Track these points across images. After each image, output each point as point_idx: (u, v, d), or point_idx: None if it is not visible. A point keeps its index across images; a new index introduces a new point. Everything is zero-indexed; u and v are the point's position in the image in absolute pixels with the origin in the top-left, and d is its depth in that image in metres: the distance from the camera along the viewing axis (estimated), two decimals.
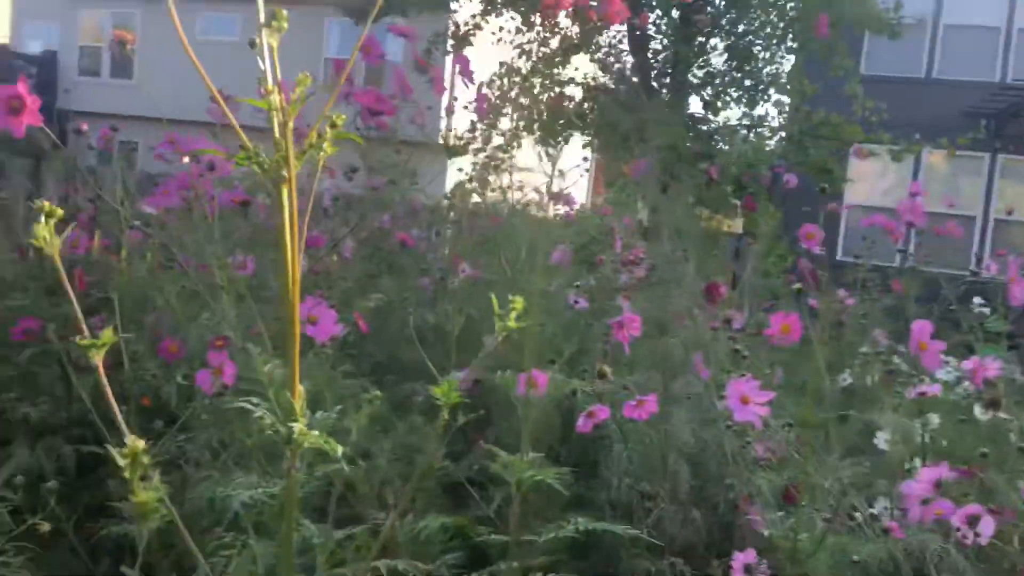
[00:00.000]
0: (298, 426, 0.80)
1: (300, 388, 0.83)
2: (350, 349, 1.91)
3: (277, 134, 0.73)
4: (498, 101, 7.13)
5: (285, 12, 0.76)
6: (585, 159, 6.55)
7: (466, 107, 3.89)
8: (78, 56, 20.99)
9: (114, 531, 1.21)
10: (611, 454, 2.07)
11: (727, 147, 6.15)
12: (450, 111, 3.94)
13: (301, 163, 0.75)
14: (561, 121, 7.65)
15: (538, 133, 6.83)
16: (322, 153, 0.76)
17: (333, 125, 0.76)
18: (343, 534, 1.12)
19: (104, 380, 0.83)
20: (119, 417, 0.87)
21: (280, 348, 1.63)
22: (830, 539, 1.27)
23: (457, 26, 7.35)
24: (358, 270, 2.30)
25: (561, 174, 4.48)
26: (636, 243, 3.68)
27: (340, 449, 0.82)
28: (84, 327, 0.86)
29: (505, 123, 7.06)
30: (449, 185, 4.38)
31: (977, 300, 3.82)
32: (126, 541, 1.24)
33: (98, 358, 0.78)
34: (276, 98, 0.71)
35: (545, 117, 7.03)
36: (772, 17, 7.00)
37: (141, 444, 0.75)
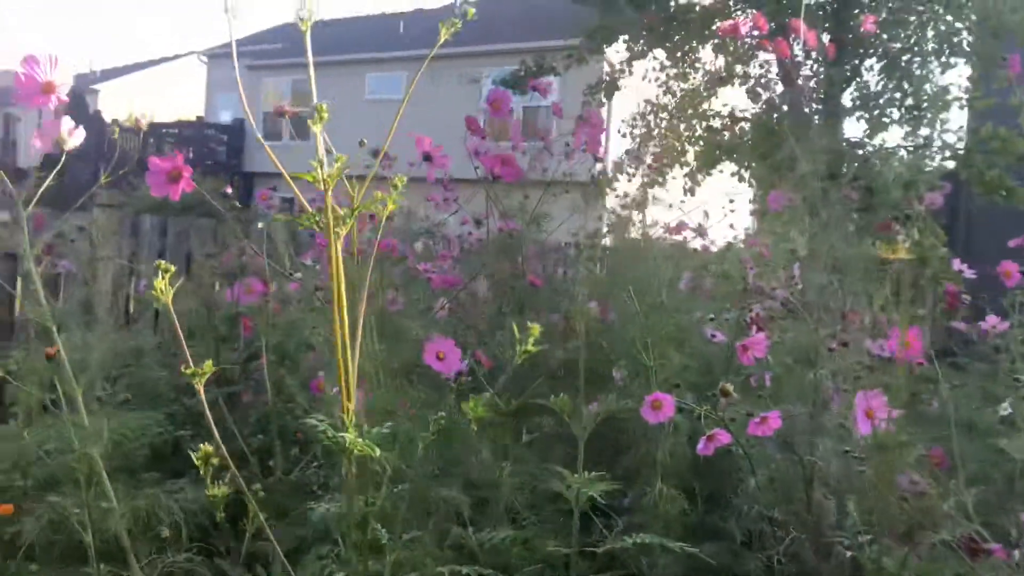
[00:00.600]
0: (350, 437, 0.92)
1: (352, 406, 0.96)
2: (482, 384, 2.04)
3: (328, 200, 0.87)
4: (644, 139, 7.21)
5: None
6: (743, 187, 6.48)
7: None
8: (263, 122, 22.95)
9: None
10: (741, 484, 2.07)
11: (881, 171, 5.89)
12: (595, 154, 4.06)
13: (352, 223, 0.88)
14: (715, 152, 7.62)
15: (686, 168, 6.84)
16: (388, 206, 0.90)
17: (395, 187, 0.90)
18: (408, 537, 1.22)
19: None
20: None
21: (407, 381, 1.78)
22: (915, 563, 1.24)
23: (610, 74, 7.52)
24: (490, 309, 2.44)
25: (705, 212, 4.51)
26: (779, 274, 3.63)
27: (378, 452, 0.94)
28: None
29: (650, 159, 7.12)
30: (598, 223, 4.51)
31: None
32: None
33: (199, 385, 0.93)
34: (320, 172, 0.85)
35: (693, 150, 7.03)
36: (929, 32, 6.68)
37: (211, 448, 0.90)
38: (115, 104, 27.33)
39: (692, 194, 7.39)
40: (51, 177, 1.53)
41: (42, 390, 1.67)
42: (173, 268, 1.06)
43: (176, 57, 29.57)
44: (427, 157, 1.78)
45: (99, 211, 4.06)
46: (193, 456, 1.11)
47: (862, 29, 6.18)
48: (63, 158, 1.46)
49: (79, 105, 23.41)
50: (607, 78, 7.50)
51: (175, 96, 25.41)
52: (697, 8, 6.97)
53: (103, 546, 1.46)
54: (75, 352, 1.55)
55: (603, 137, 2.48)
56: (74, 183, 1.77)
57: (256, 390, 1.95)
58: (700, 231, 3.61)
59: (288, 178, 0.99)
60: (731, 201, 5.91)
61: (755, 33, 6.73)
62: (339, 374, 0.98)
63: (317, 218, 0.90)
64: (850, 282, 3.82)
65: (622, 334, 2.20)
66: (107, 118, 23.01)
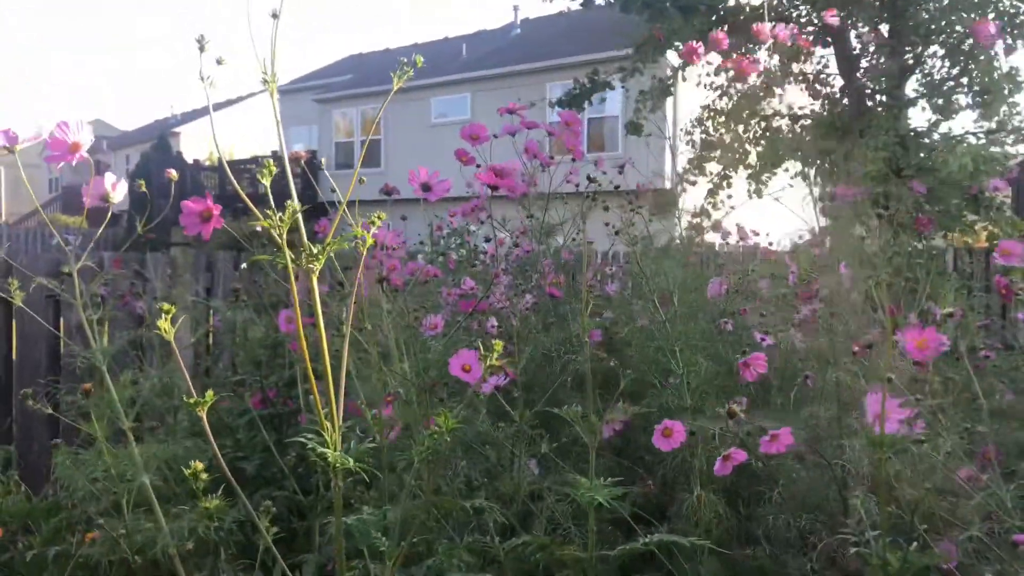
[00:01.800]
0: (332, 454, 1.00)
1: (337, 424, 1.03)
2: (513, 396, 2.10)
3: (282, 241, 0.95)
4: (705, 145, 7.17)
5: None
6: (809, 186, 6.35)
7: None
8: (334, 152, 23.60)
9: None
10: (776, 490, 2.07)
11: (947, 160, 5.69)
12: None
13: (323, 260, 0.96)
14: (777, 152, 7.51)
15: (748, 170, 6.77)
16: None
17: (372, 223, 0.97)
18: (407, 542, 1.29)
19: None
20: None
21: (426, 399, 1.85)
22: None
23: (662, 80, 7.52)
24: (529, 324, 2.50)
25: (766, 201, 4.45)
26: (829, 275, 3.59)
27: (351, 463, 1.00)
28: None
29: (713, 166, 7.07)
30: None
31: None
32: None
33: (201, 412, 1.02)
34: (274, 217, 0.93)
35: (755, 152, 6.96)
36: (990, 15, 6.45)
37: (200, 466, 0.98)
38: (197, 144, 28.61)
39: (759, 196, 7.29)
40: (139, 221, 1.66)
41: (103, 424, 1.81)
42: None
43: (251, 95, 30.72)
44: (426, 187, 1.85)
45: (177, 250, 4.30)
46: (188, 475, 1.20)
47: (975, 34, 6.03)
48: (148, 201, 1.59)
49: (164, 148, 24.55)
50: (659, 85, 7.49)
51: (253, 133, 26.38)
52: (747, 8, 6.91)
53: (154, 564, 1.58)
54: (126, 389, 1.68)
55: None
56: (163, 223, 1.93)
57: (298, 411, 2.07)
58: (741, 232, 3.61)
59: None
60: (795, 191, 5.83)
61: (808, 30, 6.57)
62: (331, 391, 1.06)
63: (290, 256, 0.98)
64: (910, 276, 3.75)
65: (648, 342, 2.22)
66: (189, 158, 24.12)
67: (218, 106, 31.67)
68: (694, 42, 2.82)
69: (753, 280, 3.49)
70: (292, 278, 0.99)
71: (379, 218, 1.03)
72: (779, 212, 4.81)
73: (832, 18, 2.46)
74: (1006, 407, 2.47)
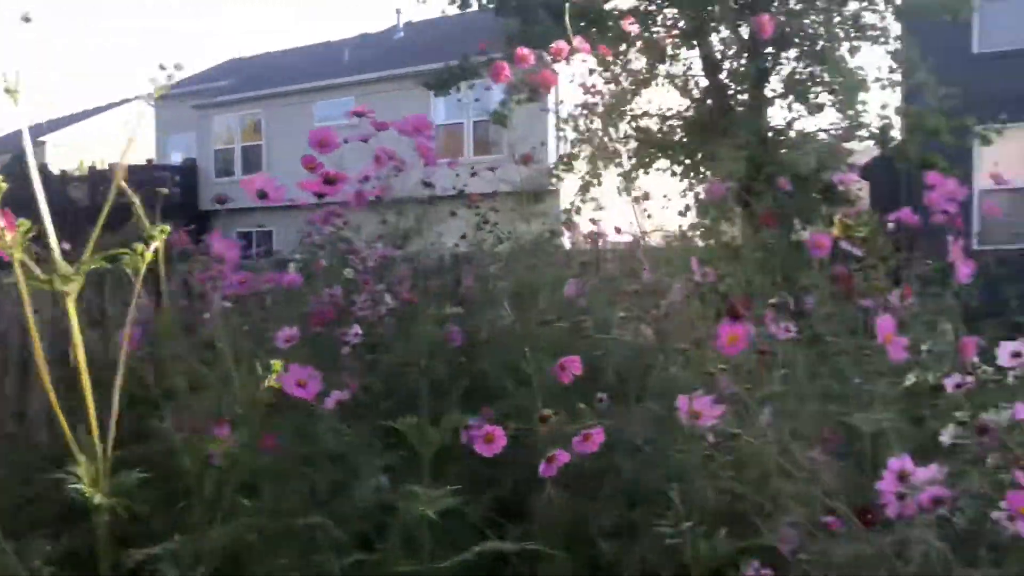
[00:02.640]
0: (90, 492, 0.96)
1: (96, 459, 0.99)
2: (364, 409, 2.08)
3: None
4: (576, 143, 7.30)
5: None
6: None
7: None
8: (214, 159, 22.86)
9: None
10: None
11: (796, 156, 6.01)
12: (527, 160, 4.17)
13: (82, 278, 0.92)
14: (649, 151, 7.71)
15: (619, 168, 6.90)
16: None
17: (153, 237, 0.94)
18: None
19: None
20: None
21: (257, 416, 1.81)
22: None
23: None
24: (388, 331, 2.48)
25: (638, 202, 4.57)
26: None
27: (106, 503, 0.97)
28: None
29: (582, 164, 7.20)
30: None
31: None
32: None
33: None
34: (7, 237, 0.88)
35: (625, 151, 7.12)
36: (835, 18, 6.85)
37: None
38: (67, 154, 27.11)
39: (628, 194, 7.46)
40: None
41: None
42: None
43: (124, 102, 29.37)
44: (262, 195, 1.81)
45: None
46: None
47: (762, 30, 6.31)
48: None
49: (20, 161, 23.12)
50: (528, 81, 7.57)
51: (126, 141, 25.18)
52: (616, 12, 7.07)
53: None
54: None
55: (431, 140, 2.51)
56: None
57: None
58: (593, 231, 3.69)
59: None
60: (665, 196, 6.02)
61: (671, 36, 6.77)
62: (86, 420, 1.01)
63: (46, 277, 0.93)
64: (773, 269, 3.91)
65: (501, 346, 2.25)
66: (57, 168, 22.82)
67: (87, 113, 30.02)
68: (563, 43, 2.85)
69: (620, 277, 3.56)
70: (26, 300, 0.94)
71: (163, 231, 0.99)
72: (657, 209, 4.95)
73: (631, 24, 2.53)
74: (851, 391, 2.61)
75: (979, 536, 1.59)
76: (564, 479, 2.10)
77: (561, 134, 7.56)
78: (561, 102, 7.31)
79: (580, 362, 1.89)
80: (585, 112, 7.61)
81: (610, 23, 6.81)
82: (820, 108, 7.45)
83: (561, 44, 2.68)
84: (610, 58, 7.45)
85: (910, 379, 2.76)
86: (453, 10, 9.13)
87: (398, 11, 25.35)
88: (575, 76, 8.69)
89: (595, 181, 7.26)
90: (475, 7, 8.42)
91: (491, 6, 7.73)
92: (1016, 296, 3.88)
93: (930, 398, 2.37)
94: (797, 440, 1.95)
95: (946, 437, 2.06)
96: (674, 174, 7.70)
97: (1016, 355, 1.97)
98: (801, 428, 2.05)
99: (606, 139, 7.37)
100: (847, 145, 6.49)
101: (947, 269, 2.62)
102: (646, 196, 3.89)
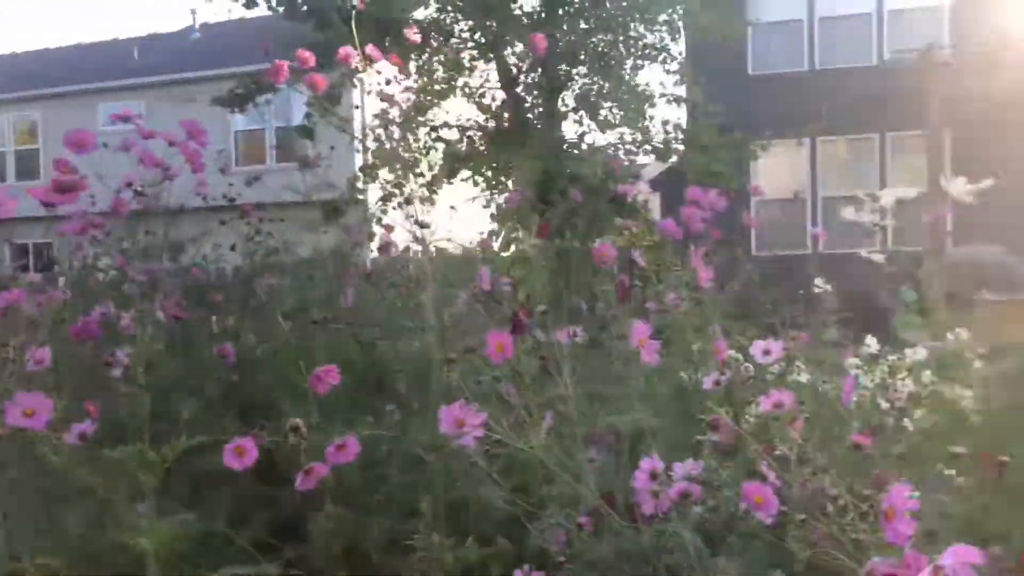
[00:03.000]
0: None
1: None
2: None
3: None
4: (377, 153, 7.23)
5: None
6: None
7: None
8: None
9: None
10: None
11: (590, 169, 6.30)
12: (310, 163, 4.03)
13: None
14: (451, 161, 7.77)
15: (421, 179, 6.88)
16: None
17: None
18: None
19: None
20: None
21: None
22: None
23: (331, 86, 7.42)
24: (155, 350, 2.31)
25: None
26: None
27: None
28: None
29: (385, 173, 7.14)
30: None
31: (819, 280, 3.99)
32: None
33: None
34: None
35: (426, 161, 7.12)
36: (620, 38, 7.24)
37: None
38: None
39: (432, 204, 7.49)
40: None
41: None
42: None
43: None
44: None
45: None
46: None
47: (536, 48, 6.57)
48: None
49: None
50: (328, 91, 7.44)
51: None
52: (412, 22, 7.08)
53: None
54: None
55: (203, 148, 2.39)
56: None
57: None
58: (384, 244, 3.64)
59: None
60: (473, 199, 6.09)
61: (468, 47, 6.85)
62: None
63: None
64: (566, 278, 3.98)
65: (279, 361, 2.16)
66: None
67: None
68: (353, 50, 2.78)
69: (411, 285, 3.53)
70: None
71: None
72: (466, 219, 4.97)
73: (415, 35, 2.55)
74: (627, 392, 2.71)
75: (731, 526, 1.69)
76: (341, 494, 2.05)
77: (361, 144, 7.46)
78: (357, 106, 7.21)
79: (338, 371, 1.83)
80: (384, 122, 7.57)
81: (405, 31, 6.81)
82: (609, 124, 7.82)
83: (348, 50, 2.62)
84: (400, 70, 7.44)
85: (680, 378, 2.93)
86: (244, 12, 8.80)
87: (193, 12, 24.15)
88: (372, 86, 8.61)
89: (397, 191, 7.23)
90: (263, 8, 8.15)
91: (280, 8, 7.52)
92: (786, 298, 4.23)
93: (697, 397, 2.52)
94: (572, 443, 2.00)
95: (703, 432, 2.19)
96: (476, 184, 7.82)
97: (767, 352, 2.12)
98: (577, 431, 2.11)
99: (405, 149, 7.36)
100: (638, 158, 6.87)
101: (726, 273, 2.82)
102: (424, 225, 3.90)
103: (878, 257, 4.43)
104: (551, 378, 2.48)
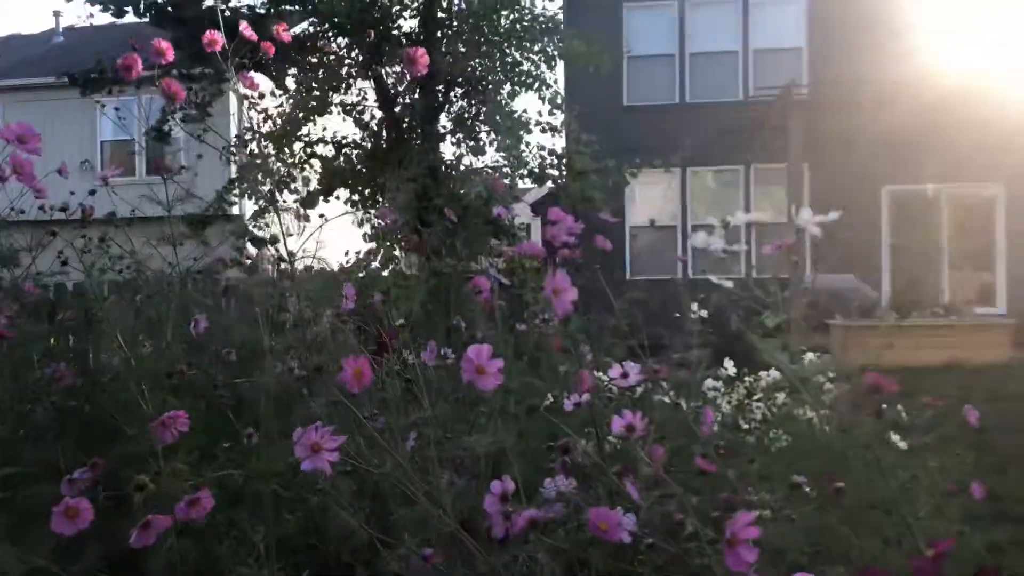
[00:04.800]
0: None
1: None
2: None
3: None
4: (248, 167, 7.02)
5: None
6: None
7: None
8: None
9: None
10: None
11: (468, 190, 6.32)
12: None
13: None
14: (327, 178, 7.62)
15: (295, 195, 6.73)
16: None
17: None
18: None
19: None
20: None
21: None
22: None
23: (197, 94, 7.17)
24: None
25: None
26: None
27: None
28: None
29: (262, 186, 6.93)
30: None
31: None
32: None
33: None
34: None
35: (301, 177, 6.97)
36: (497, 64, 7.33)
37: None
38: None
39: (307, 220, 7.32)
40: None
41: None
42: None
43: None
44: None
45: None
46: None
47: (415, 67, 6.55)
48: None
49: None
50: (195, 97, 7.19)
51: None
52: (292, 35, 6.92)
53: None
54: None
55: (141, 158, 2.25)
56: None
57: None
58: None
59: None
60: (349, 212, 5.95)
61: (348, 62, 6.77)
62: None
63: None
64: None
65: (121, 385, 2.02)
66: None
67: None
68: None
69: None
70: None
71: None
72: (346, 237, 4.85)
73: (284, 32, 2.47)
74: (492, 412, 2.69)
75: (588, 548, 1.69)
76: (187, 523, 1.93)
77: (232, 155, 7.23)
78: (234, 113, 7.01)
79: (186, 417, 1.73)
80: (256, 134, 7.36)
81: (282, 45, 6.66)
82: (482, 149, 7.88)
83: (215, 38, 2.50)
84: (275, 84, 7.28)
85: (548, 399, 2.94)
86: (111, 18, 8.39)
87: (57, 14, 22.86)
88: (246, 97, 8.33)
89: (270, 207, 7.03)
90: (132, 15, 7.81)
91: (147, 16, 7.22)
92: (656, 321, 4.34)
93: (561, 417, 2.53)
94: (432, 465, 1.96)
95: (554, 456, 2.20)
96: (353, 203, 7.70)
97: (624, 375, 2.15)
98: (439, 454, 2.07)
99: (279, 164, 7.18)
100: (518, 182, 6.94)
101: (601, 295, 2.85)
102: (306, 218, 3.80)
103: (727, 283, 4.59)
104: (415, 400, 2.45)
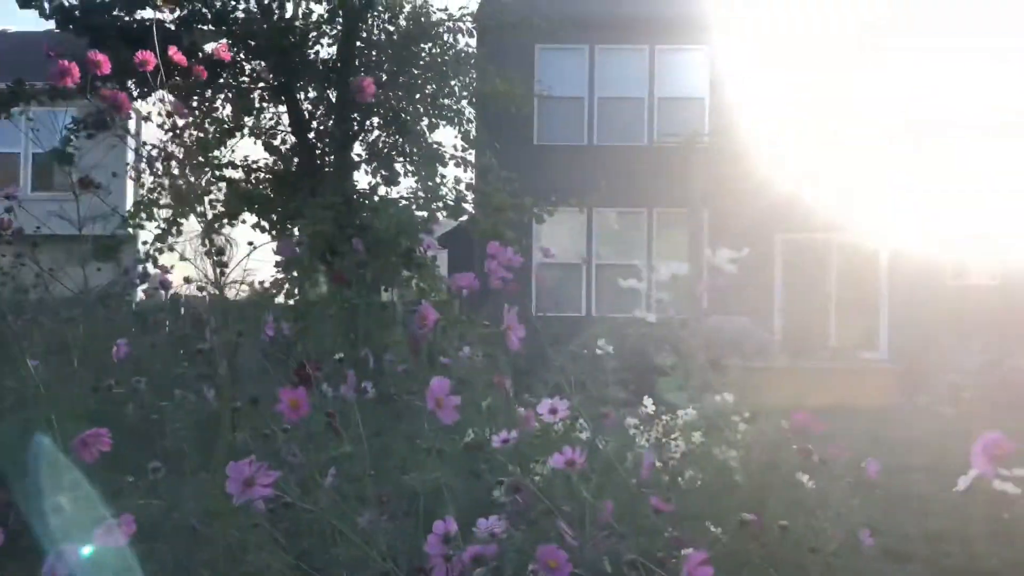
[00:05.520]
0: None
1: None
2: None
3: None
4: (154, 188, 6.79)
5: None
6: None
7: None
8: None
9: None
10: None
11: (375, 221, 6.27)
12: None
13: None
14: (235, 202, 7.42)
15: (202, 219, 6.50)
16: None
17: None
18: None
19: None
20: None
21: None
22: None
23: (99, 111, 6.88)
24: None
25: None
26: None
27: None
28: None
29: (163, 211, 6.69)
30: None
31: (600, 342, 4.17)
32: None
33: None
34: None
35: (208, 201, 6.75)
36: (416, 95, 7.36)
37: None
38: None
39: (211, 244, 7.10)
40: None
41: None
42: None
43: None
44: None
45: None
46: None
47: (362, 95, 6.53)
48: None
49: None
50: (96, 115, 6.90)
51: None
52: (201, 55, 6.75)
53: None
54: None
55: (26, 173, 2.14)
56: None
57: None
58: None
59: None
60: (251, 244, 5.77)
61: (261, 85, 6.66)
62: None
63: None
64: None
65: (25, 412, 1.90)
66: None
67: None
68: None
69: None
70: None
71: None
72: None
73: (224, 52, 2.43)
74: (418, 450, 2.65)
75: None
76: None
77: (140, 177, 6.97)
78: (138, 135, 6.76)
79: (109, 435, 1.65)
80: (163, 155, 7.11)
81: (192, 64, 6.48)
82: (396, 180, 7.85)
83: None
84: (185, 104, 7.07)
85: (469, 435, 2.92)
86: (9, 25, 7.99)
87: None
88: (152, 116, 8.06)
89: (174, 230, 6.79)
90: (37, 16, 7.46)
91: (51, 20, 6.92)
92: (564, 358, 4.39)
93: (486, 453, 2.51)
94: (358, 503, 1.92)
95: (499, 492, 2.19)
96: (263, 229, 7.52)
97: (553, 411, 2.17)
98: (364, 490, 2.03)
99: (185, 186, 6.94)
100: (429, 215, 6.92)
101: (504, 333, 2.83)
102: (220, 251, 3.69)
103: (650, 318, 4.70)
104: (336, 436, 2.39)
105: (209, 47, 7.00)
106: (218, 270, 2.41)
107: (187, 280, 4.10)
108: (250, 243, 5.64)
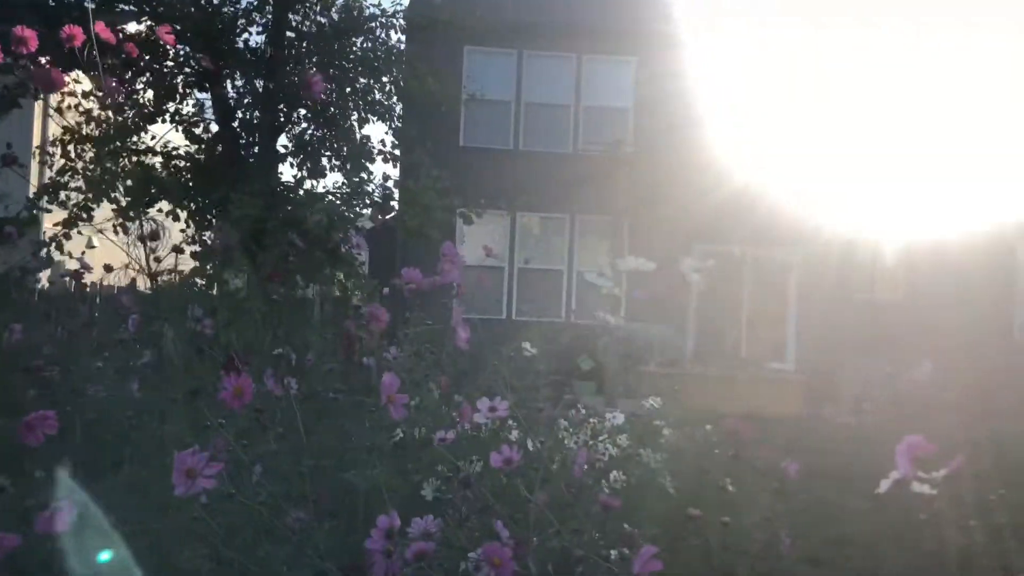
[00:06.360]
0: None
1: None
2: None
3: None
4: (63, 171, 6.50)
5: None
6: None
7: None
8: None
9: None
10: None
11: (306, 215, 6.16)
12: None
13: None
14: (148, 189, 7.15)
15: (115, 205, 6.27)
16: None
17: None
18: None
19: None
20: None
21: None
22: None
23: (8, 89, 6.55)
24: None
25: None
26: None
27: None
28: None
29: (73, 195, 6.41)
30: None
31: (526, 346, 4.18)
32: None
33: None
34: None
35: (123, 187, 6.49)
36: (347, 90, 7.26)
37: None
38: None
39: (125, 232, 6.83)
40: None
41: None
42: None
43: None
44: None
45: None
46: None
47: (308, 91, 6.41)
48: None
49: None
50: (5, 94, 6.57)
51: None
52: (121, 35, 6.49)
53: None
54: None
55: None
56: None
57: None
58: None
59: None
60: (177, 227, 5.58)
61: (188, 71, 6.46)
62: None
63: None
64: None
65: None
66: None
67: None
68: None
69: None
70: None
71: None
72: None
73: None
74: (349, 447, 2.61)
75: None
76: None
77: (49, 161, 6.66)
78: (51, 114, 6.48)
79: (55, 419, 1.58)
80: (76, 139, 6.83)
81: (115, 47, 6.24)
82: (323, 173, 7.72)
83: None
84: (102, 85, 6.80)
85: (399, 434, 2.89)
86: None
87: None
88: (66, 98, 7.79)
89: (84, 215, 6.51)
90: None
91: None
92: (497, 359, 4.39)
93: (417, 452, 2.49)
94: (289, 500, 1.87)
95: (427, 491, 2.18)
96: (176, 217, 7.28)
97: (492, 409, 2.17)
98: (294, 487, 1.98)
99: (98, 171, 6.67)
100: (359, 210, 6.83)
101: (443, 331, 2.82)
102: (148, 236, 3.56)
103: (611, 323, 4.73)
104: (264, 431, 2.34)
105: (131, 28, 6.75)
106: (151, 256, 2.32)
107: (108, 268, 3.94)
108: (182, 231, 5.45)
